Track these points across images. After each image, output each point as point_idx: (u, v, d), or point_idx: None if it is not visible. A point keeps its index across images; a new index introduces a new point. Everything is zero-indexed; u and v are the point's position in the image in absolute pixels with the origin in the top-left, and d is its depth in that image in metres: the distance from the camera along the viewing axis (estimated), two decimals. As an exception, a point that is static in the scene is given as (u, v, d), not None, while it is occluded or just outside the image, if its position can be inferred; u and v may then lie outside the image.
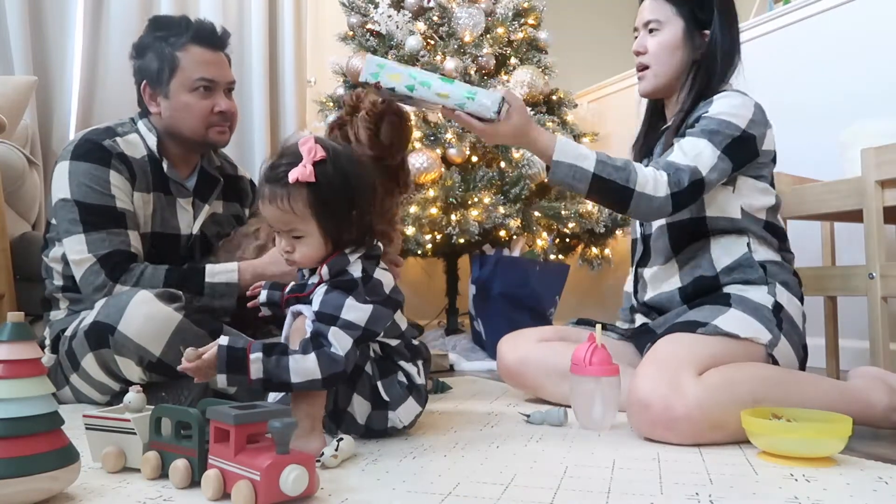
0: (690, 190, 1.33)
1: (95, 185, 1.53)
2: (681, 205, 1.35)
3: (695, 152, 1.34)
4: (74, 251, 1.52)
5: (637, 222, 1.62)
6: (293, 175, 1.07)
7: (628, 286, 1.78)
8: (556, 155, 1.31)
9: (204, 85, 1.61)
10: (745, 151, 1.39)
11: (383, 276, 1.15)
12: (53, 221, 1.60)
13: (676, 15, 1.49)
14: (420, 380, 1.22)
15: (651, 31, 1.51)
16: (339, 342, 1.05)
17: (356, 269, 1.11)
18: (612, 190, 1.31)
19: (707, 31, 1.48)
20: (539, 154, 1.36)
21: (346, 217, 1.11)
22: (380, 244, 1.21)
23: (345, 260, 1.12)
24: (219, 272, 1.54)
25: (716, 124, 1.37)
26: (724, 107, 1.39)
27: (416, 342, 1.27)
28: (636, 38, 1.55)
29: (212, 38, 1.64)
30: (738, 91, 1.46)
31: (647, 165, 1.50)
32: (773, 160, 1.48)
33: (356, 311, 1.07)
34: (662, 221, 1.49)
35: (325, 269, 1.12)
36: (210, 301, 1.53)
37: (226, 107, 1.64)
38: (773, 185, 1.49)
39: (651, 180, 1.32)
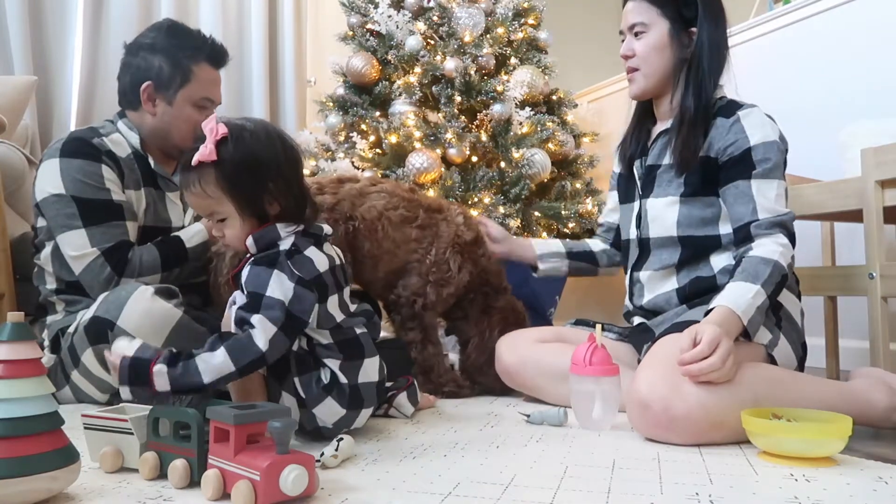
0: (793, 230, 1.38)
1: (90, 180, 1.54)
2: (794, 242, 1.38)
3: (773, 196, 1.37)
4: (74, 246, 1.52)
5: (633, 223, 1.59)
6: (195, 157, 1.08)
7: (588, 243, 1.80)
8: (745, 320, 1.25)
9: (206, 104, 1.69)
10: (786, 162, 1.44)
11: (316, 255, 1.13)
12: (41, 223, 1.60)
13: (661, 16, 1.49)
14: (357, 378, 1.15)
15: (637, 34, 1.51)
16: (264, 330, 1.03)
17: (286, 243, 1.11)
18: (780, 288, 1.32)
19: (694, 29, 1.48)
20: (738, 332, 1.28)
21: (262, 191, 1.10)
22: (325, 226, 1.18)
23: (274, 232, 1.12)
24: (192, 236, 1.63)
25: (769, 153, 1.38)
26: (758, 129, 1.40)
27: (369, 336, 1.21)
28: (622, 41, 1.56)
29: (222, 61, 1.73)
30: (746, 103, 1.46)
31: (643, 168, 1.56)
32: None
33: (280, 287, 1.06)
34: (673, 233, 1.48)
35: (250, 242, 1.12)
36: (196, 262, 1.62)
37: None
38: None
39: (782, 250, 1.32)
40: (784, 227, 1.36)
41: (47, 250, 1.60)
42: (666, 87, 1.52)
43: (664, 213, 1.49)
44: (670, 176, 1.49)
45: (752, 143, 1.38)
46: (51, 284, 1.62)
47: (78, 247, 1.51)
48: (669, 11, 1.48)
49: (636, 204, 1.59)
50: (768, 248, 1.31)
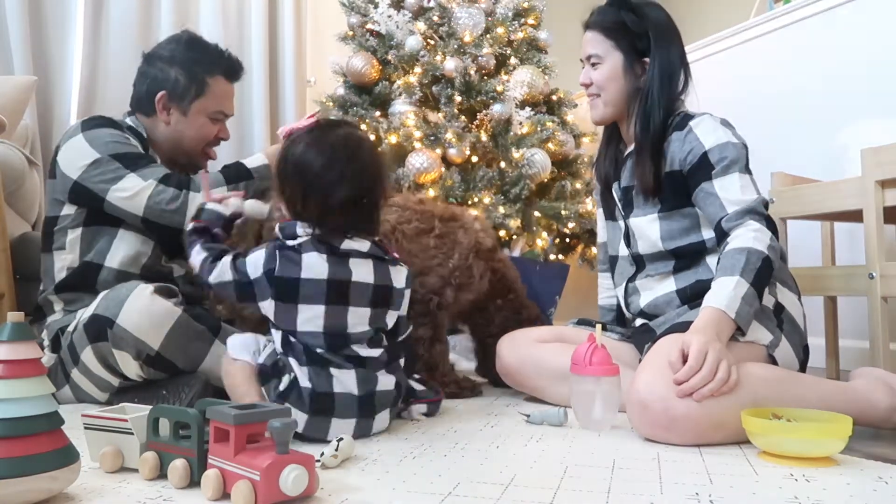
0: (767, 213, 1.38)
1: (120, 140, 1.58)
2: (773, 224, 1.38)
3: (737, 188, 1.39)
4: (128, 189, 1.53)
5: (622, 241, 1.62)
6: (283, 130, 1.36)
7: (605, 301, 1.78)
8: (732, 314, 1.25)
9: (219, 116, 1.74)
10: (748, 162, 1.45)
11: (313, 261, 1.17)
12: (65, 211, 1.60)
13: (615, 48, 1.53)
14: (327, 387, 1.15)
15: (593, 64, 1.56)
16: (222, 273, 1.21)
17: (296, 240, 1.20)
18: (765, 274, 1.30)
19: (647, 59, 1.52)
20: (731, 329, 1.28)
21: (298, 195, 1.20)
22: (357, 244, 1.21)
23: (293, 228, 1.21)
24: (253, 161, 1.68)
25: (724, 151, 1.40)
26: (710, 133, 1.43)
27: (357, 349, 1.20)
28: (583, 67, 1.60)
29: (237, 75, 1.78)
30: (702, 112, 1.49)
31: (620, 188, 1.59)
32: None
33: (254, 267, 1.19)
34: (660, 247, 1.50)
35: (277, 229, 1.24)
36: (260, 183, 1.64)
37: (226, 134, 1.78)
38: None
39: (756, 235, 1.32)
40: (754, 211, 1.36)
41: (75, 234, 1.60)
42: (625, 113, 1.57)
43: (647, 230, 1.52)
44: (644, 196, 1.53)
45: (707, 147, 1.42)
46: (60, 274, 1.61)
47: (132, 186, 1.53)
48: (623, 44, 1.53)
49: (621, 223, 1.62)
50: (742, 237, 1.33)
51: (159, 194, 1.52)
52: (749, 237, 1.32)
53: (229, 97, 1.77)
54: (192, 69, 1.68)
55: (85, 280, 1.59)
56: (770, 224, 1.36)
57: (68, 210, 1.60)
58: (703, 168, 1.42)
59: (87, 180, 1.55)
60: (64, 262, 1.61)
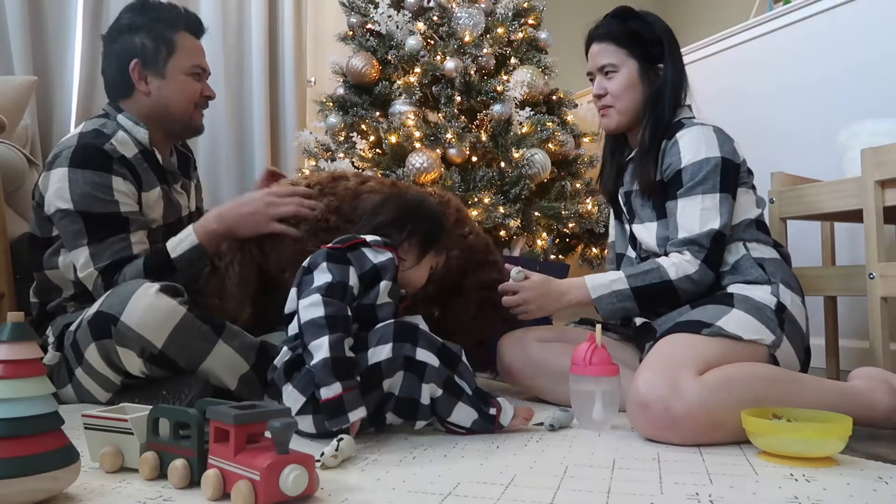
0: (714, 246, 1.39)
1: (99, 192, 1.53)
2: (716, 263, 1.40)
3: (696, 213, 1.40)
4: (81, 265, 1.54)
5: (629, 245, 1.64)
6: None
7: None
8: (592, 293, 1.39)
9: (198, 71, 1.70)
10: (733, 175, 1.44)
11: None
12: (56, 231, 1.60)
13: (629, 56, 1.53)
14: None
15: (607, 73, 1.55)
16: None
17: None
18: (656, 293, 1.36)
19: (660, 66, 1.53)
20: (581, 303, 1.44)
21: None
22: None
23: None
24: (177, 244, 1.57)
25: (697, 170, 1.41)
26: (691, 148, 1.43)
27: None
28: (591, 79, 1.60)
29: (199, 29, 1.74)
30: (694, 122, 1.49)
31: (623, 194, 1.62)
32: (747, 168, 1.52)
33: None
34: (661, 253, 1.52)
35: None
36: (188, 271, 1.56)
37: (211, 92, 1.74)
38: (754, 187, 1.54)
39: (679, 263, 1.39)
40: (695, 243, 1.39)
41: (66, 258, 1.60)
42: (638, 121, 1.56)
43: (648, 237, 1.54)
44: (642, 201, 1.55)
45: (683, 165, 1.43)
46: (67, 291, 1.62)
47: (83, 266, 1.54)
48: (637, 51, 1.53)
49: (627, 228, 1.64)
50: (665, 259, 1.41)
51: (99, 287, 1.53)
52: (669, 262, 1.39)
53: (200, 52, 1.72)
54: (155, 30, 1.64)
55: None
56: (710, 257, 1.38)
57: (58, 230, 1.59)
58: (674, 185, 1.45)
59: (56, 223, 1.56)
60: (70, 278, 1.60)
